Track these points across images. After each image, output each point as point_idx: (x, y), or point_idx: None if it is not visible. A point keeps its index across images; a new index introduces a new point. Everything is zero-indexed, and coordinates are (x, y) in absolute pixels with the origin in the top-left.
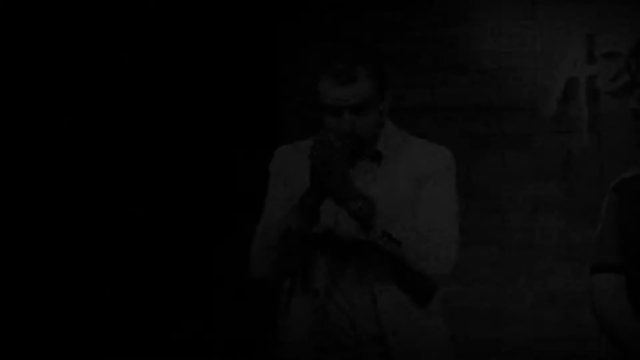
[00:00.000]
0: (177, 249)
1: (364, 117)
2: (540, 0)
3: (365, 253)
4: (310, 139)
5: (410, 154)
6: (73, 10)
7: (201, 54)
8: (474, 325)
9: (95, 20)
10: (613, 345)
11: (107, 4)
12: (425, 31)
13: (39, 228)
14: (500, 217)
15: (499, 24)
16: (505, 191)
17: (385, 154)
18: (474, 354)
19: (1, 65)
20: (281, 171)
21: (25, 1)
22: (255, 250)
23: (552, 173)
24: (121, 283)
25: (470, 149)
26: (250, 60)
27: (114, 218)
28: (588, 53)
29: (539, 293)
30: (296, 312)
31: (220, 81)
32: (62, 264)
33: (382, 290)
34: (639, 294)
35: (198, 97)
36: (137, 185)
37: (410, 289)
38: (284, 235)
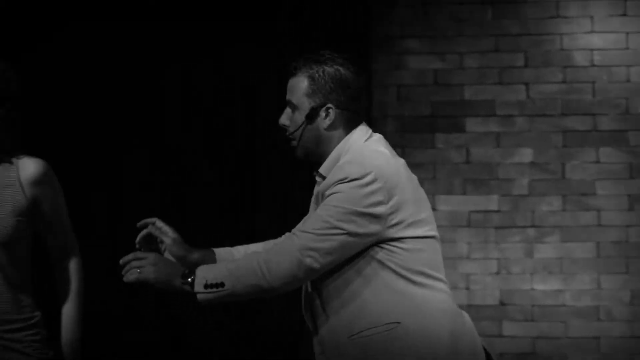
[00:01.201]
0: None
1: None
2: None
3: None
4: None
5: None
6: None
7: (295, 50)
8: (573, 323)
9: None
10: None
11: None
12: (519, 28)
13: None
14: (595, 214)
15: (592, 21)
16: (600, 189)
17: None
18: (572, 351)
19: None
20: None
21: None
22: None
23: None
24: None
25: (565, 146)
26: (344, 55)
27: None
28: None
29: (636, 290)
30: None
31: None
32: None
33: None
34: None
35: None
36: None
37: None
38: None
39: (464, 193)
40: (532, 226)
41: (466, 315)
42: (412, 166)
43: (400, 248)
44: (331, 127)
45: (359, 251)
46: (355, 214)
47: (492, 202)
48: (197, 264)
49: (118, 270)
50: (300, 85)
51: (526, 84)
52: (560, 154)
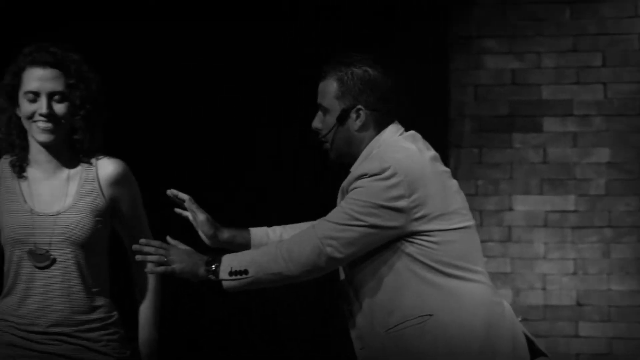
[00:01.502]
0: None
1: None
2: None
3: None
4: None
5: None
6: None
7: (373, 50)
8: None
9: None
10: None
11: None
12: (597, 27)
13: None
14: None
15: None
16: None
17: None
18: None
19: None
20: None
21: None
22: None
23: None
24: None
25: None
26: (421, 55)
27: None
28: None
29: None
30: None
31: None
32: None
33: None
34: None
35: None
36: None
37: None
38: None
39: (541, 193)
40: (609, 226)
41: (506, 305)
42: (489, 166)
43: (429, 241)
44: (362, 128)
45: (389, 246)
46: (376, 207)
47: (569, 202)
48: (227, 242)
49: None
50: (329, 88)
51: (604, 84)
52: (638, 154)
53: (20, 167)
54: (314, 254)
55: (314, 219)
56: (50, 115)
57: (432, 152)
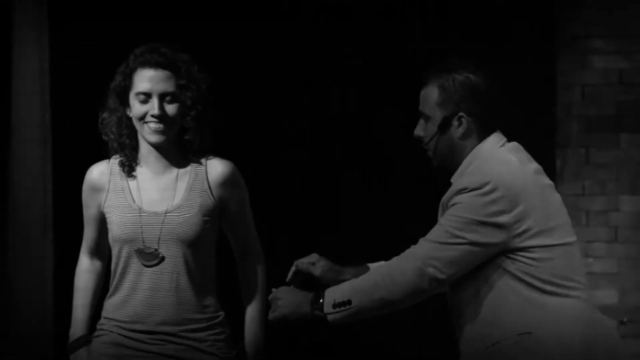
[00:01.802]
0: None
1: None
2: None
3: None
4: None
5: None
6: None
7: (480, 52)
8: None
9: None
10: None
11: None
12: None
13: None
14: None
15: None
16: None
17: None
18: None
19: None
20: None
21: None
22: None
23: None
24: None
25: None
26: (529, 56)
27: None
28: None
29: None
30: None
31: (499, 78)
32: None
33: None
34: None
35: None
36: None
37: None
38: None
39: None
40: None
41: (608, 322)
42: (596, 166)
43: (529, 257)
44: (464, 135)
45: (488, 262)
46: (477, 223)
47: None
48: None
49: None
50: (431, 96)
51: None
52: None
53: (129, 167)
54: (416, 275)
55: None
56: (162, 116)
57: (534, 165)
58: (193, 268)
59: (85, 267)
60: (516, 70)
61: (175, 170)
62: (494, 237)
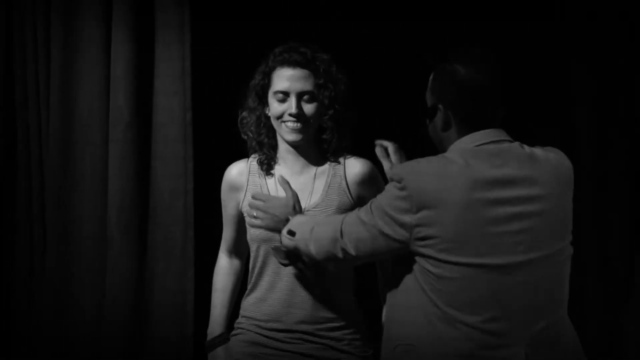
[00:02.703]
0: None
1: None
2: None
3: None
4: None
5: None
6: None
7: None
8: None
9: None
10: None
11: None
12: None
13: None
14: None
15: None
16: None
17: None
18: None
19: None
20: None
21: None
22: None
23: None
24: None
25: None
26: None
27: None
28: None
29: None
30: None
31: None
32: None
33: None
34: None
35: None
36: None
37: None
38: None
39: None
40: None
41: None
42: None
43: (428, 270)
44: (444, 127)
45: (406, 263)
46: (385, 213)
47: None
48: None
49: None
50: (428, 83)
51: None
52: None
53: (268, 165)
54: (332, 240)
55: None
56: (300, 115)
57: (500, 172)
58: (330, 267)
59: (224, 266)
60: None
61: (313, 169)
62: (396, 232)
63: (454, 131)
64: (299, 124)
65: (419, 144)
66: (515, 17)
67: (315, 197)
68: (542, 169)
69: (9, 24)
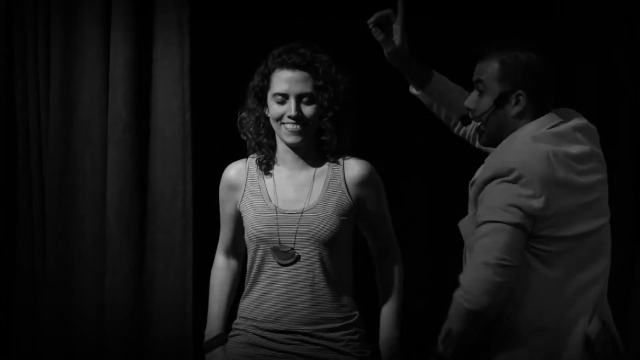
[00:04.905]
0: None
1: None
2: None
3: None
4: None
5: None
6: None
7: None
8: None
9: None
10: None
11: None
12: None
13: None
14: None
15: None
16: None
17: None
18: None
19: None
20: None
21: None
22: None
23: None
24: None
25: None
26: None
27: None
28: None
29: None
30: None
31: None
32: None
33: None
34: None
35: None
36: None
37: None
38: None
39: None
40: None
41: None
42: None
43: (545, 250)
44: (520, 114)
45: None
46: (509, 206)
47: None
48: (413, 78)
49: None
50: (490, 69)
51: None
52: None
53: (267, 166)
54: (487, 272)
55: None
56: (299, 118)
57: (576, 149)
58: (329, 267)
59: (221, 266)
60: None
61: (312, 170)
62: (522, 219)
63: (529, 117)
64: (298, 126)
65: (419, 144)
66: (516, 17)
67: (314, 199)
68: (595, 138)
69: (9, 23)
